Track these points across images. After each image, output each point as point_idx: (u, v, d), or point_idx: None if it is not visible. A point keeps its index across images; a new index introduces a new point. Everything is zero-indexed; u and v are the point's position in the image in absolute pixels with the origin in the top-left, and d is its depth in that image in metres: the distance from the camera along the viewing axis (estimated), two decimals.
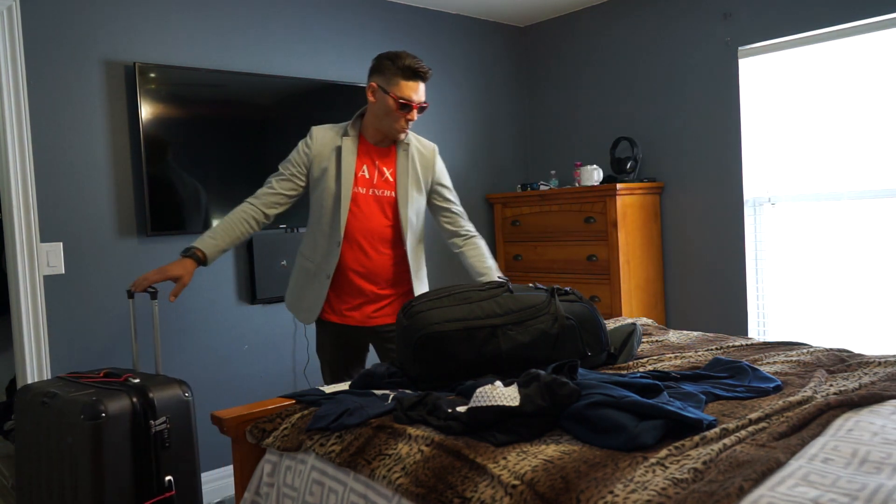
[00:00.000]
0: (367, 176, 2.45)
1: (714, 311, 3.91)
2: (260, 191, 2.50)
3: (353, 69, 3.85)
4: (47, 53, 2.92)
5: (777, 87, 3.65)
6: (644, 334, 2.62)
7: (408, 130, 2.44)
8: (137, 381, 2.14)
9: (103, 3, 3.06)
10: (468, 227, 2.60)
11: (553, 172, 4.42)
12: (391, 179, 2.47)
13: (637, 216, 3.95)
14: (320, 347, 2.65)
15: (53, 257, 2.94)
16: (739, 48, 3.71)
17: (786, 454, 1.30)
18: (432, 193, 2.57)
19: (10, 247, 2.90)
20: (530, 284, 2.09)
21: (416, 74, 2.35)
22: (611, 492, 1.21)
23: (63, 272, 2.97)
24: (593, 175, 4.03)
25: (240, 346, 3.47)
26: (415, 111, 2.38)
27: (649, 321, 2.93)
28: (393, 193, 2.47)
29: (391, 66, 2.34)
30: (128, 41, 3.12)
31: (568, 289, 2.06)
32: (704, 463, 1.28)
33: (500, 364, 1.86)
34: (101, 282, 3.06)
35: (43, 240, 2.92)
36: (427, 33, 4.22)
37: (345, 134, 2.44)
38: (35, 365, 2.90)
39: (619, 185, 3.83)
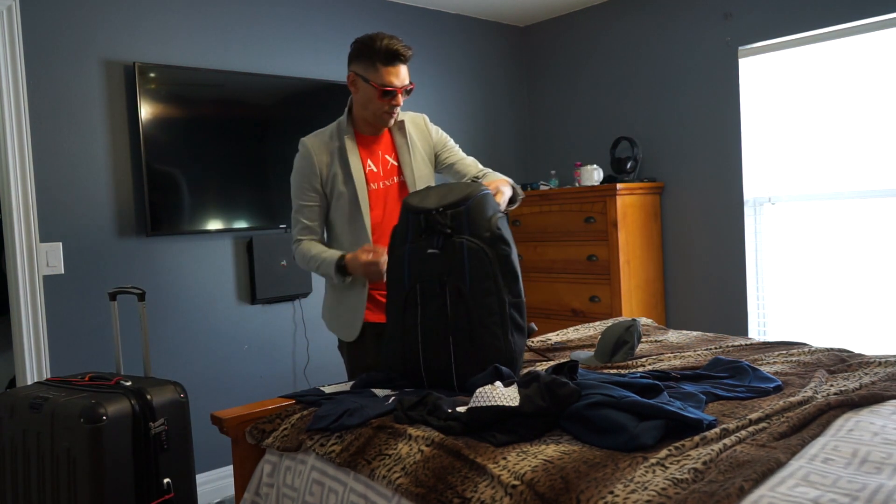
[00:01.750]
0: (375, 170, 2.35)
1: (714, 311, 3.91)
2: (302, 237, 2.38)
3: None
4: (47, 53, 2.92)
5: (777, 87, 3.65)
6: (644, 334, 2.62)
7: (396, 115, 2.30)
8: (130, 383, 2.12)
9: (103, 3, 3.06)
10: (479, 168, 2.43)
11: (553, 172, 4.42)
12: (395, 164, 2.37)
13: (637, 216, 3.95)
14: (359, 358, 2.44)
15: (53, 257, 2.94)
16: (739, 48, 3.70)
17: (786, 454, 1.30)
18: (437, 160, 2.45)
19: (9, 247, 2.90)
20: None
21: (395, 57, 2.17)
22: (611, 492, 1.21)
23: (63, 272, 2.97)
24: (593, 175, 4.03)
25: (240, 346, 3.47)
26: (399, 96, 2.22)
27: (649, 321, 2.93)
28: (401, 178, 2.37)
29: (367, 52, 2.18)
30: (128, 41, 3.12)
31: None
32: (704, 463, 1.28)
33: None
34: (101, 282, 3.06)
35: (43, 240, 2.92)
36: (427, 33, 4.22)
37: (340, 134, 2.33)
38: (35, 365, 2.90)
39: (619, 185, 3.83)
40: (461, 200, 1.92)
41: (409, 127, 2.38)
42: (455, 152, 2.45)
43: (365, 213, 2.30)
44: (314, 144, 2.34)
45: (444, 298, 1.90)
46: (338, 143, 2.33)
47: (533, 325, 2.16)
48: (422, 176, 2.35)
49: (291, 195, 2.39)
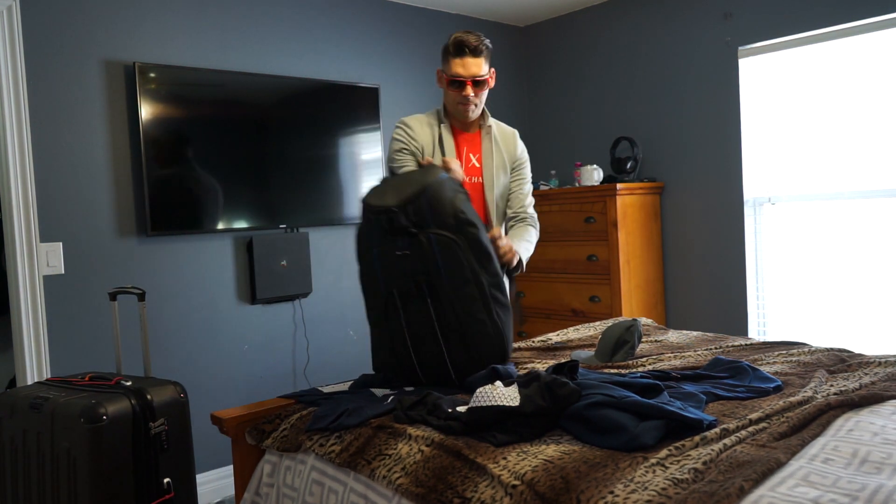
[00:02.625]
0: (463, 164, 2.43)
1: (714, 311, 3.91)
2: None
3: (353, 69, 3.85)
4: (47, 53, 2.92)
5: (777, 87, 3.65)
6: (644, 334, 2.62)
7: (472, 108, 2.35)
8: (130, 383, 2.12)
9: (103, 3, 3.06)
10: (527, 210, 2.50)
11: (553, 172, 4.42)
12: (478, 165, 2.43)
13: (637, 216, 3.95)
14: None
15: (53, 257, 2.94)
16: (739, 48, 3.70)
17: (786, 454, 1.30)
18: (518, 178, 2.50)
19: (10, 247, 2.90)
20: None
21: (461, 48, 2.27)
22: (611, 492, 1.21)
23: (63, 272, 2.97)
24: (593, 175, 4.03)
25: (240, 346, 3.47)
26: (469, 87, 2.29)
27: (649, 321, 2.93)
28: (480, 180, 2.43)
29: (445, 46, 2.32)
30: (128, 41, 3.12)
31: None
32: (705, 463, 1.28)
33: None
34: (101, 282, 3.06)
35: (43, 240, 2.92)
36: (427, 33, 4.22)
37: (438, 121, 2.40)
38: (35, 365, 2.90)
39: (619, 185, 3.83)
40: (419, 192, 1.91)
41: (496, 134, 2.44)
42: (521, 181, 2.49)
43: None
44: (416, 126, 2.41)
45: (424, 298, 1.91)
46: (437, 130, 2.40)
47: (520, 292, 2.19)
48: (499, 183, 2.42)
49: (389, 165, 2.43)
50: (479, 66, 2.29)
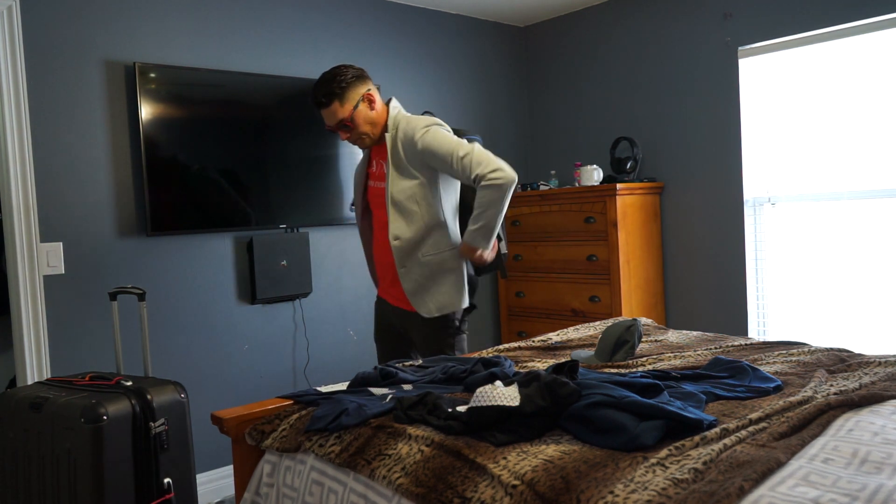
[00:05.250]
0: (375, 170, 2.58)
1: (714, 311, 3.91)
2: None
3: None
4: (47, 53, 2.92)
5: (777, 87, 3.65)
6: (644, 334, 2.62)
7: (358, 141, 2.50)
8: (130, 383, 2.12)
9: (103, 3, 3.06)
10: (476, 180, 2.35)
11: (553, 172, 4.42)
12: (384, 171, 2.52)
13: (637, 216, 3.95)
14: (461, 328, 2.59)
15: (53, 257, 2.94)
16: (739, 48, 3.71)
17: (786, 454, 1.30)
18: (434, 170, 2.44)
19: (10, 247, 2.90)
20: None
21: (315, 105, 2.48)
22: (611, 492, 1.21)
23: (63, 272, 2.97)
24: (593, 175, 4.03)
25: (240, 346, 3.47)
26: (339, 133, 2.50)
27: (649, 321, 2.93)
28: (383, 183, 2.51)
29: None
30: (128, 41, 3.12)
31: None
32: (705, 463, 1.28)
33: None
34: (101, 282, 3.06)
35: (43, 240, 2.92)
36: (427, 33, 4.22)
37: None
38: (35, 365, 2.90)
39: (619, 185, 3.83)
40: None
41: (399, 137, 2.46)
42: (446, 164, 2.38)
43: (358, 204, 2.65)
44: None
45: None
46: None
47: (505, 253, 2.47)
48: (398, 185, 2.45)
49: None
50: (334, 115, 2.43)
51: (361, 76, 2.47)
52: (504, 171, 2.32)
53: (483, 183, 2.31)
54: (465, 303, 2.51)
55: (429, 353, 2.53)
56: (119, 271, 3.11)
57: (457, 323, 2.53)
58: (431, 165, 2.42)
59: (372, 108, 2.45)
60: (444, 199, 2.48)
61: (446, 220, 2.48)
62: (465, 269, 2.53)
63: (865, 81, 3.36)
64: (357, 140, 2.49)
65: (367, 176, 2.60)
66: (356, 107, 2.42)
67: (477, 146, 2.37)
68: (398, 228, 2.45)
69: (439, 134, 2.39)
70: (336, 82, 2.40)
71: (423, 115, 2.52)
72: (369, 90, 2.45)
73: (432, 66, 4.24)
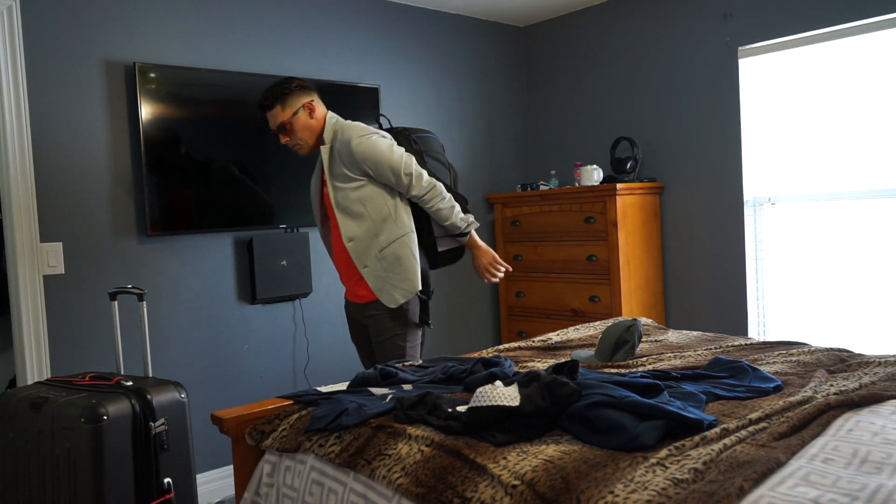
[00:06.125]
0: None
1: (714, 311, 3.91)
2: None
3: (353, 69, 3.85)
4: (47, 53, 2.92)
5: (777, 87, 3.65)
6: (644, 334, 2.62)
7: (297, 147, 2.62)
8: (130, 383, 2.12)
9: (103, 3, 3.06)
10: (416, 195, 2.56)
11: (553, 172, 4.42)
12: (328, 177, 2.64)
13: (637, 216, 3.95)
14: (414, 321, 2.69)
15: (53, 257, 2.94)
16: (739, 48, 3.71)
17: (786, 454, 1.30)
18: (375, 177, 2.56)
19: (10, 247, 2.90)
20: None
21: (259, 108, 2.62)
22: (611, 492, 1.21)
23: (63, 272, 2.97)
24: (593, 175, 4.03)
25: (240, 346, 3.47)
26: (280, 136, 2.61)
27: (649, 321, 2.93)
28: (326, 189, 2.64)
29: None
30: (128, 41, 3.12)
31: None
32: (705, 463, 1.28)
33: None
34: (101, 282, 3.06)
35: (43, 240, 2.92)
36: (427, 33, 4.22)
37: None
38: (35, 365, 2.90)
39: (619, 185, 3.83)
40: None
41: (336, 146, 2.57)
42: (385, 176, 2.54)
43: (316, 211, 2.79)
44: None
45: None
46: None
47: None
48: (343, 195, 2.57)
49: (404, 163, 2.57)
50: (275, 118, 2.57)
51: (306, 87, 2.61)
52: (435, 185, 2.56)
53: (425, 197, 2.56)
54: (419, 285, 2.57)
55: (379, 345, 2.63)
56: (119, 271, 3.11)
57: (409, 315, 2.61)
58: (373, 170, 2.54)
59: (311, 117, 2.59)
60: (385, 192, 2.58)
61: (392, 211, 2.57)
62: (417, 254, 2.60)
63: (865, 81, 3.36)
64: (295, 145, 2.62)
65: (323, 183, 2.71)
66: (296, 113, 2.56)
67: (405, 159, 2.53)
68: (350, 230, 2.57)
69: (379, 145, 2.52)
70: (281, 89, 2.57)
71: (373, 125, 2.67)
72: (312, 101, 2.59)
73: (432, 66, 4.24)
